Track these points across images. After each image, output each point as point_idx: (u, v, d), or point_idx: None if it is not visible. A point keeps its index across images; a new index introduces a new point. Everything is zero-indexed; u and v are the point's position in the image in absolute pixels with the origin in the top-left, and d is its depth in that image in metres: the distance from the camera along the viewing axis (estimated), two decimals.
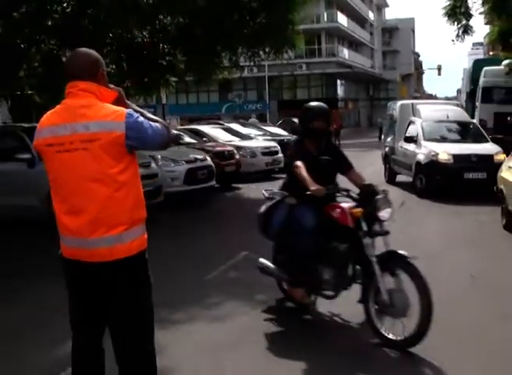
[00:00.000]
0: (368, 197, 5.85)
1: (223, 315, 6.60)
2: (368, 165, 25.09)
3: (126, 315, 3.67)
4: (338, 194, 6.35)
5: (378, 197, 5.83)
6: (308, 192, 5.80)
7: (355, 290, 6.00)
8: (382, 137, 21.32)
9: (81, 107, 3.56)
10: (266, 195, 7.08)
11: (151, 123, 3.67)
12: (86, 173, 3.49)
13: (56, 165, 3.59)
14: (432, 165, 14.97)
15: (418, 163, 15.55)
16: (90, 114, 3.52)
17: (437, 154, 15.01)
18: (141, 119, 3.61)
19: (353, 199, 6.09)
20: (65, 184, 3.58)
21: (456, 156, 14.81)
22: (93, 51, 3.79)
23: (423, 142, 15.93)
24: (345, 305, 6.41)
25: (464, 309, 6.58)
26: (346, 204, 6.07)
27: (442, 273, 8.09)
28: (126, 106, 3.72)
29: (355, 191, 6.26)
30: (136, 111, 3.70)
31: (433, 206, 14.01)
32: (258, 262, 6.99)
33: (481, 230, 11.19)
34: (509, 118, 21.51)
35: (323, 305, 6.68)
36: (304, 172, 5.94)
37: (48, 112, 3.74)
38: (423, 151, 15.58)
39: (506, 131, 17.48)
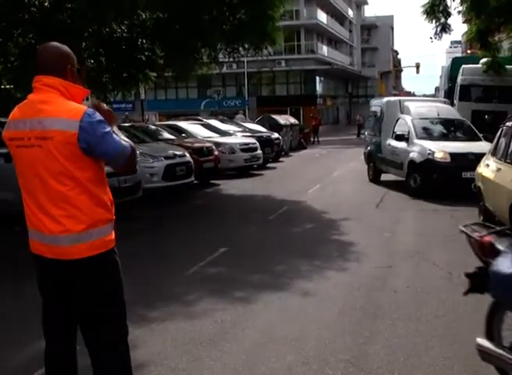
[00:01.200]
0: None
1: (201, 311, 6.57)
2: (348, 161, 25.28)
3: (92, 315, 3.63)
4: None
5: None
6: None
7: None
8: (366, 134, 21.06)
9: (41, 102, 3.49)
10: (500, 248, 4.35)
11: (117, 137, 3.55)
12: (42, 170, 3.45)
13: (17, 159, 3.57)
14: (428, 164, 14.66)
15: (412, 162, 15.23)
16: (48, 110, 3.44)
17: (433, 152, 14.71)
18: (102, 122, 3.47)
19: None
20: (27, 179, 3.55)
21: (453, 155, 14.55)
22: (63, 46, 3.68)
23: (416, 140, 15.61)
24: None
25: (442, 306, 6.60)
26: None
27: (422, 270, 8.15)
28: (111, 121, 3.62)
29: None
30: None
31: (413, 203, 14.07)
32: (477, 344, 4.42)
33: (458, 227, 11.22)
34: (486, 116, 21.67)
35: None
36: None
37: (16, 106, 3.68)
38: (417, 150, 15.25)
39: (483, 129, 17.54)
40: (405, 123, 16.55)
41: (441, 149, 14.78)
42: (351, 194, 16.10)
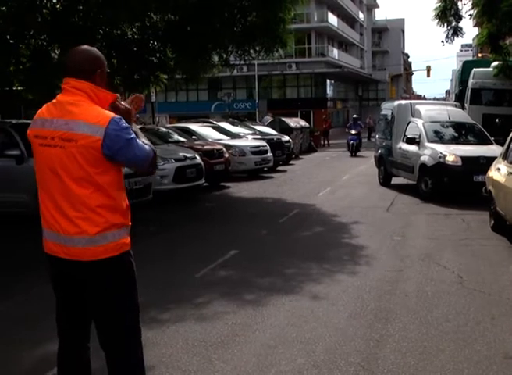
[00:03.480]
0: None
1: (212, 313, 6.58)
2: (358, 164, 25.25)
3: (105, 316, 3.64)
4: None
5: None
6: None
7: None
8: (376, 137, 20.98)
9: (69, 104, 3.51)
10: None
11: (141, 141, 3.57)
12: (61, 171, 3.46)
13: (38, 157, 3.59)
14: (440, 167, 14.59)
15: (423, 165, 15.18)
16: (75, 113, 3.46)
17: (444, 156, 14.62)
18: (127, 129, 3.49)
19: None
20: (46, 178, 3.56)
21: (464, 158, 14.46)
22: (94, 50, 3.70)
23: (427, 144, 15.53)
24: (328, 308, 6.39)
25: (453, 310, 6.58)
26: None
27: (433, 273, 8.13)
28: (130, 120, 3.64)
29: None
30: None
31: (424, 207, 14.04)
32: None
33: (469, 230, 11.21)
34: (497, 120, 21.62)
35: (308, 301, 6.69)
36: None
37: (44, 105, 3.70)
38: (428, 153, 15.18)
39: (494, 133, 17.48)
40: (416, 127, 16.49)
41: (452, 153, 14.70)
42: (361, 198, 16.06)
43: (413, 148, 16.08)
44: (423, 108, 17.59)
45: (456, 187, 14.50)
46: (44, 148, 3.51)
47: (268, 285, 7.72)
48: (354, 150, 32.09)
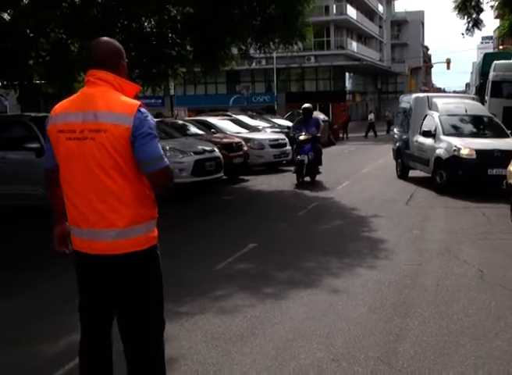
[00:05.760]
0: None
1: (231, 307, 6.58)
2: (377, 157, 25.13)
3: (131, 310, 3.63)
4: None
5: None
6: None
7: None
8: (395, 130, 20.94)
9: (95, 96, 3.50)
10: None
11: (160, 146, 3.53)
12: (92, 163, 3.44)
13: (65, 152, 3.53)
14: (454, 160, 14.54)
15: (438, 158, 15.16)
16: (102, 104, 3.45)
17: (459, 149, 14.57)
18: (152, 124, 3.48)
19: None
20: (72, 172, 3.52)
21: (479, 152, 14.39)
22: (115, 42, 3.71)
23: (442, 137, 15.51)
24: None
25: (473, 305, 6.54)
26: None
27: (453, 267, 8.08)
28: None
29: None
30: None
31: (443, 200, 13.95)
32: None
33: (489, 224, 11.12)
34: None
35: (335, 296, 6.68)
36: None
37: (65, 100, 3.69)
38: (443, 146, 15.15)
39: None
40: (432, 120, 16.46)
41: (467, 146, 14.65)
42: (380, 191, 15.99)
43: (429, 141, 16.05)
44: (440, 102, 17.53)
45: (471, 180, 14.48)
46: (72, 141, 3.48)
47: (287, 278, 7.71)
48: (306, 172, 17.48)
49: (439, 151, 15.18)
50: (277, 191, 16.55)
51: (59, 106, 3.65)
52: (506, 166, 11.65)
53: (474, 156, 14.38)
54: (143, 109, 3.47)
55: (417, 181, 16.96)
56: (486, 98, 23.32)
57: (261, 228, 11.19)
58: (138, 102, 3.50)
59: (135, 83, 3.82)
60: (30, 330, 5.99)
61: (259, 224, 11.64)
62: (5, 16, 14.96)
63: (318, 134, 18.23)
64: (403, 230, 10.65)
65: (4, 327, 6.12)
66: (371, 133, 44.00)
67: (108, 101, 3.46)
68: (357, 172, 20.50)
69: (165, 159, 3.52)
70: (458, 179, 14.59)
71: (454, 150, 14.66)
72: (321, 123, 19.87)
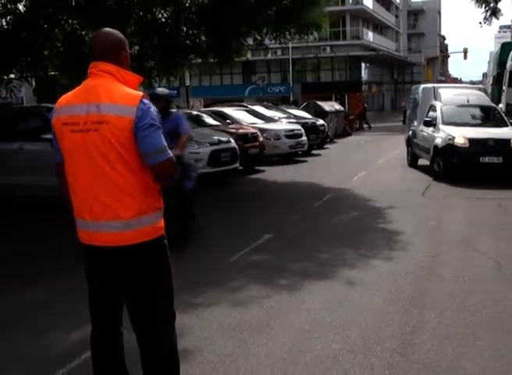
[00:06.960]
0: None
1: (246, 297, 6.57)
2: (393, 148, 25.01)
3: (140, 301, 3.63)
4: None
5: None
6: None
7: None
8: (407, 120, 21.32)
9: (98, 88, 3.49)
10: None
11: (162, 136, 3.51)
12: (96, 155, 3.42)
13: (69, 144, 3.53)
14: (449, 148, 15.09)
15: (436, 147, 15.70)
16: (105, 95, 3.43)
17: (453, 138, 15.13)
18: (155, 113, 3.47)
19: None
20: (77, 165, 3.52)
21: (472, 140, 14.89)
22: (117, 32, 3.69)
23: (441, 126, 16.07)
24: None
25: (490, 297, 6.49)
26: None
27: (470, 259, 8.02)
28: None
29: None
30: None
31: (460, 191, 13.87)
32: None
33: (507, 215, 11.04)
34: None
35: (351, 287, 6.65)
36: None
37: (68, 92, 3.68)
38: (441, 135, 15.70)
39: None
40: (435, 109, 17.04)
41: (461, 135, 15.13)
42: (397, 182, 15.94)
43: (429, 130, 16.69)
44: (444, 92, 18.20)
45: (464, 168, 14.93)
46: (76, 133, 3.47)
47: (303, 270, 7.68)
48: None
49: (437, 140, 15.72)
50: (293, 182, 16.51)
51: (63, 99, 3.64)
52: (498, 155, 11.90)
53: (468, 144, 14.87)
54: (145, 101, 3.45)
55: (426, 170, 16.91)
56: (504, 87, 23.10)
57: (276, 219, 11.16)
58: (141, 93, 3.49)
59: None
60: (45, 320, 6.02)
61: (274, 215, 11.61)
62: (20, 7, 14.95)
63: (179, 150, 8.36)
64: (420, 221, 10.60)
65: (19, 317, 6.16)
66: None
67: (111, 93, 3.45)
68: (373, 162, 20.41)
69: (169, 151, 3.51)
70: (453, 167, 15.06)
71: (449, 139, 15.19)
72: (186, 129, 9.14)
